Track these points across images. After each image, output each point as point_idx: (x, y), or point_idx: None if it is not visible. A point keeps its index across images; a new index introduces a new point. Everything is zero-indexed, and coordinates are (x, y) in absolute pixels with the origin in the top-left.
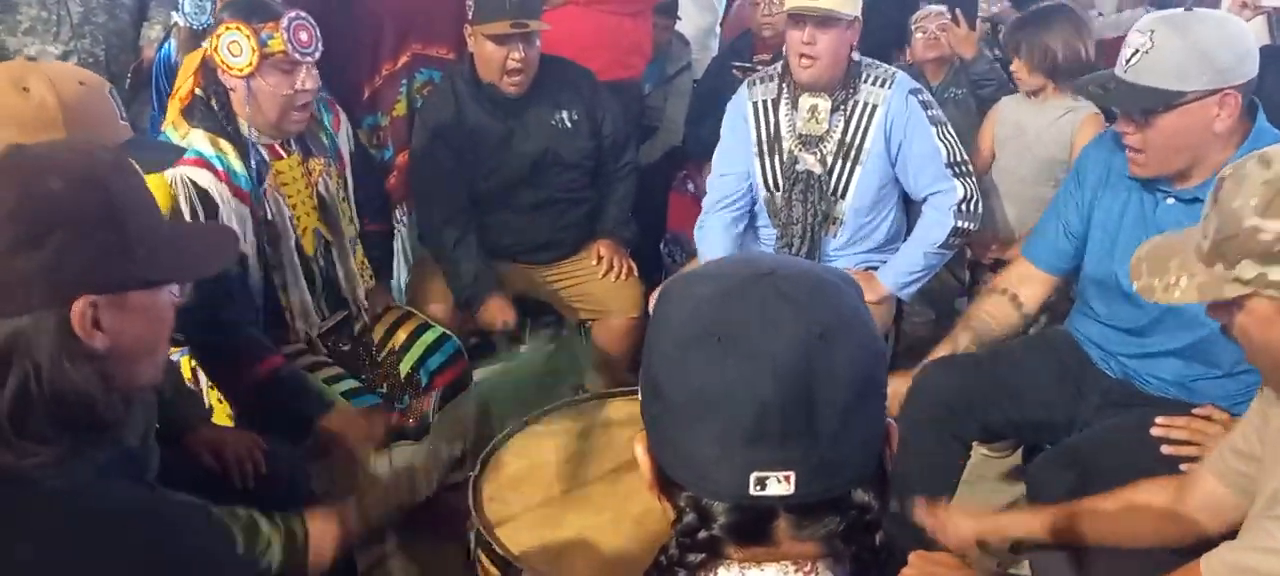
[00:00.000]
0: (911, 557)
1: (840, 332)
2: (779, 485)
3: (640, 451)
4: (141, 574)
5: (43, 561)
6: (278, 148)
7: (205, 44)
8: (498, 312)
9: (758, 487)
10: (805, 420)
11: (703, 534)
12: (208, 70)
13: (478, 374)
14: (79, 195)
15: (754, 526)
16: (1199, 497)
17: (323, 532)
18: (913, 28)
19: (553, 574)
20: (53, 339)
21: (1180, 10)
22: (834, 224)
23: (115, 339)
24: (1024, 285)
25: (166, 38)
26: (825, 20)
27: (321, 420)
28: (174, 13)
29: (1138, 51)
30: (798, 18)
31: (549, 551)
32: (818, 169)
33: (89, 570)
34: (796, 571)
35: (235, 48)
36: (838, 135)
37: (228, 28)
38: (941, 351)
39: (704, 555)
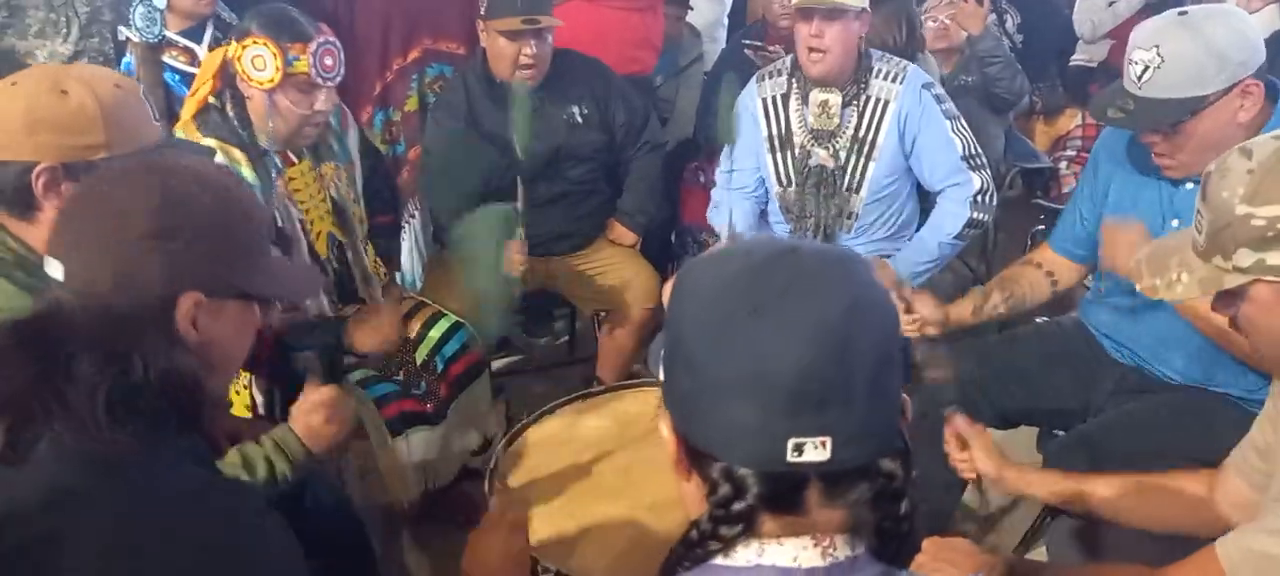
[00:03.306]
0: (925, 543)
1: (866, 304)
2: (816, 451)
3: (666, 431)
4: (204, 553)
5: (108, 551)
6: (290, 154)
7: (227, 49)
8: (516, 257)
9: (795, 454)
10: (842, 387)
11: (738, 504)
12: (227, 75)
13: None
14: (212, 203)
15: (787, 495)
16: (1227, 493)
17: (308, 422)
18: (921, 17)
19: (569, 563)
20: (158, 328)
21: (1173, 13)
22: (848, 218)
23: (206, 340)
24: (1054, 267)
25: (128, 51)
26: (833, 12)
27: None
28: (124, 29)
29: (1148, 67)
30: (806, 11)
31: (565, 541)
32: (831, 163)
33: (156, 553)
34: (815, 546)
35: (259, 61)
36: (851, 130)
37: (255, 42)
38: (972, 301)
39: (740, 527)
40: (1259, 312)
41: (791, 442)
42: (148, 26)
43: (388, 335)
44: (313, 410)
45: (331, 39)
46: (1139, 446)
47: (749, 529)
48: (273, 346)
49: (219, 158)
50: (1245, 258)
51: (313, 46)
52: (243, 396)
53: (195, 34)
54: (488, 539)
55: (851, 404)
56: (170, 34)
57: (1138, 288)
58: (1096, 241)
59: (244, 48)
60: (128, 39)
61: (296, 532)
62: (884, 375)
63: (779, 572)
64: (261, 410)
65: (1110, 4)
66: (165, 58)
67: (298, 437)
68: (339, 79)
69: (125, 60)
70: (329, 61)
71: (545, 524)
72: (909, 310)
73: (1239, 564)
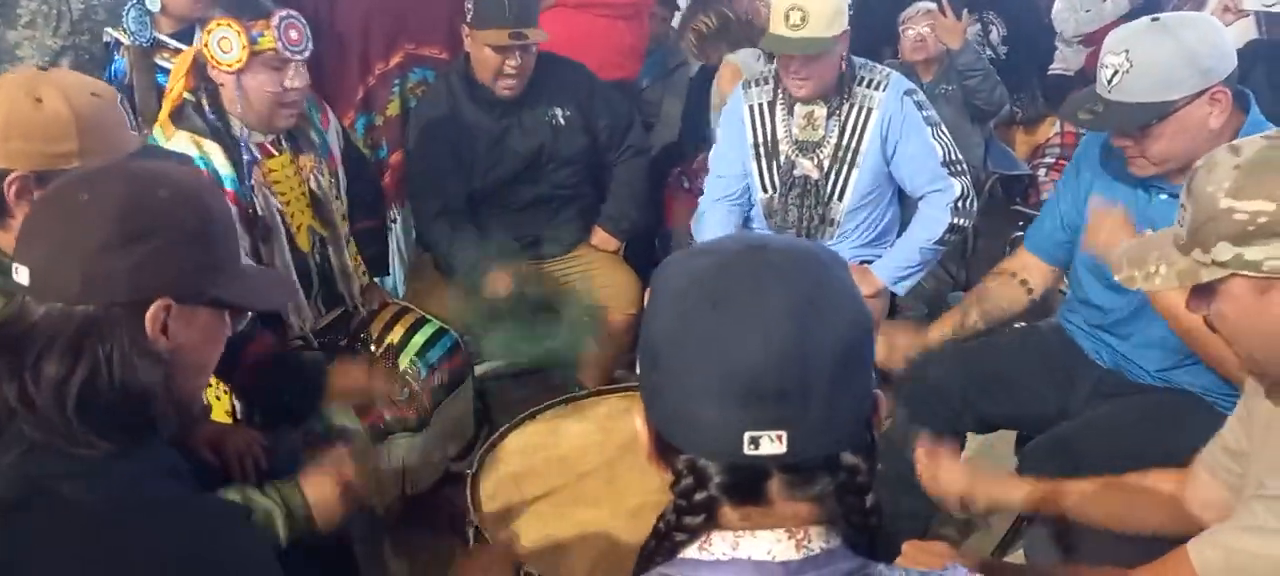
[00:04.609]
0: (905, 547)
1: (828, 302)
2: (772, 444)
3: (639, 423)
4: (171, 565)
5: (84, 557)
6: (268, 145)
7: (196, 45)
8: (498, 282)
9: (751, 447)
10: (797, 382)
11: (700, 495)
12: (199, 67)
13: (477, 370)
14: (181, 208)
15: (748, 486)
16: (1197, 493)
17: (321, 492)
18: (900, 28)
19: (551, 569)
20: (125, 333)
21: (1146, 20)
22: (830, 225)
23: (176, 347)
24: (1029, 272)
25: (116, 53)
26: (810, 55)
27: (328, 380)
28: (110, 30)
29: (1117, 72)
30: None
31: (547, 547)
32: (815, 174)
33: (128, 567)
34: (789, 538)
35: (225, 44)
36: (835, 140)
37: (219, 24)
38: (950, 321)
39: (702, 517)
40: (1233, 309)
41: (747, 436)
42: (140, 29)
43: (365, 390)
44: (330, 480)
45: (294, 13)
46: (1112, 447)
47: (711, 519)
48: (255, 370)
49: (192, 151)
50: (1224, 251)
51: (275, 20)
52: (223, 401)
53: (185, 37)
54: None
55: (809, 399)
56: (160, 36)
57: (1116, 278)
58: (1073, 244)
59: (210, 32)
60: (117, 41)
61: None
62: (846, 371)
63: (753, 565)
64: (241, 416)
65: (1088, 11)
66: (158, 60)
67: (305, 503)
68: (307, 53)
69: (117, 62)
70: (294, 34)
71: (527, 529)
72: (890, 342)
73: (1211, 562)
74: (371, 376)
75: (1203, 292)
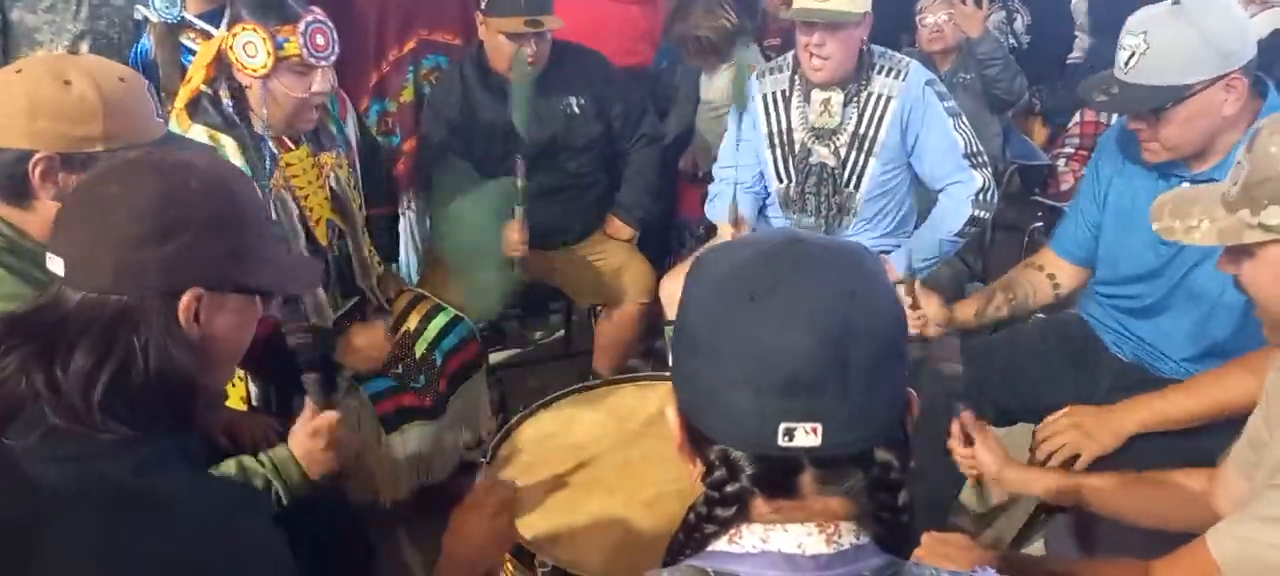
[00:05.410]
0: (924, 538)
1: (867, 294)
2: (806, 436)
3: (671, 413)
4: (193, 554)
5: (103, 539)
6: (287, 139)
7: (221, 37)
8: (515, 234)
9: (786, 438)
10: (836, 374)
11: (732, 486)
12: (223, 65)
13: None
14: (211, 199)
15: (781, 479)
16: (1227, 490)
17: (306, 447)
18: (917, 17)
19: (566, 558)
20: (159, 322)
21: (1167, 3)
22: (848, 215)
23: (208, 334)
24: (1057, 270)
25: (144, 32)
26: (835, 24)
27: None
28: (141, 8)
29: (1135, 54)
30: (807, 22)
31: (562, 536)
32: (831, 161)
33: (145, 548)
34: (820, 532)
35: (251, 49)
36: (851, 127)
37: (244, 28)
38: (974, 303)
39: (733, 509)
40: (1267, 275)
41: (782, 427)
42: (167, 7)
43: (377, 357)
44: (312, 435)
45: (320, 17)
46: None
47: (743, 511)
48: (267, 344)
49: (208, 144)
50: (1274, 215)
51: (301, 27)
52: (239, 387)
53: (213, 18)
54: (473, 516)
55: (846, 392)
56: (189, 16)
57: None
58: (1097, 241)
59: (235, 36)
60: (146, 19)
61: (295, 529)
62: (882, 366)
63: (783, 558)
64: (256, 402)
65: None
66: (183, 39)
67: (296, 462)
68: (334, 57)
69: (143, 42)
70: (320, 40)
71: (541, 517)
72: (914, 307)
73: (1230, 551)
74: (379, 340)
75: (1238, 253)
